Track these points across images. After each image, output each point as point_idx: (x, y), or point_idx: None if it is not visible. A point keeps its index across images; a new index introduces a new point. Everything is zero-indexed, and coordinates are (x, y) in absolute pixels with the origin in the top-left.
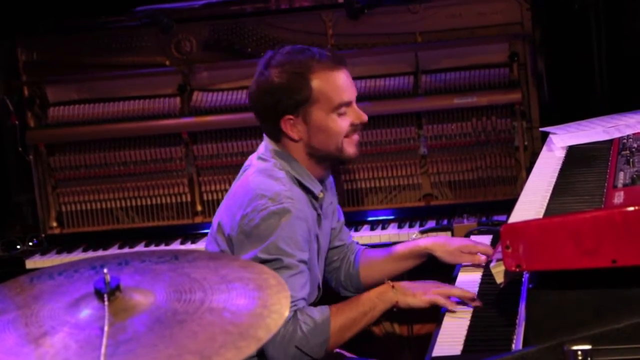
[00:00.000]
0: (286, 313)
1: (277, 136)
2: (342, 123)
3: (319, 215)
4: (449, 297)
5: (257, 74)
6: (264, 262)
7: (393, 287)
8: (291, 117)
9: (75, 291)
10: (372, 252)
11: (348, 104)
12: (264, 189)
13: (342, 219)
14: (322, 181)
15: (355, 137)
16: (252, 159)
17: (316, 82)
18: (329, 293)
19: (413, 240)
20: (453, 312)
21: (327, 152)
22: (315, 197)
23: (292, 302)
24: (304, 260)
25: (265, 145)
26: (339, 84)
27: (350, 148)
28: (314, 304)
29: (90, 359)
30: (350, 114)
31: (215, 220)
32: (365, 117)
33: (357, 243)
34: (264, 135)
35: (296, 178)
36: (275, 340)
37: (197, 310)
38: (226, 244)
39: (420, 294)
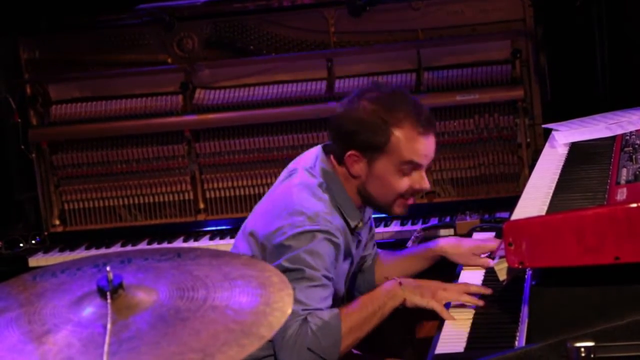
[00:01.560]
0: (289, 311)
1: (340, 160)
2: (403, 183)
3: (359, 241)
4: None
5: (351, 97)
6: (285, 271)
7: (400, 283)
8: (358, 154)
9: (78, 289)
10: (386, 254)
11: (417, 166)
12: (305, 206)
13: (373, 226)
14: (362, 209)
15: (409, 200)
16: (299, 167)
17: (398, 137)
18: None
19: (415, 238)
20: (458, 307)
21: (377, 201)
22: (352, 228)
23: (305, 309)
24: (328, 277)
25: (317, 159)
26: (419, 148)
27: (399, 208)
28: None
29: (93, 356)
30: (414, 177)
31: (250, 221)
32: (427, 186)
33: (376, 250)
34: (320, 148)
35: (337, 207)
36: (288, 345)
37: (199, 308)
38: (259, 249)
39: (428, 295)
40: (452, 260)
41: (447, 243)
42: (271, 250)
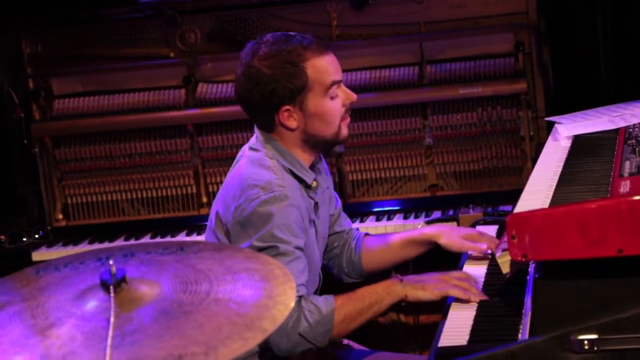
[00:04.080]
0: (292, 304)
1: (270, 127)
2: (337, 106)
3: (316, 203)
4: (458, 287)
5: (242, 67)
6: (259, 250)
7: (401, 280)
8: (288, 107)
9: (81, 283)
10: (375, 239)
11: (338, 84)
12: (255, 178)
13: (339, 205)
14: (312, 166)
15: (348, 117)
16: (244, 149)
17: (310, 69)
18: (331, 281)
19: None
20: (461, 300)
21: (324, 137)
22: (308, 186)
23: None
24: (299, 247)
25: (256, 135)
26: (329, 66)
27: (345, 130)
28: (316, 293)
29: (96, 350)
30: (340, 95)
31: (212, 212)
32: (354, 96)
33: (357, 229)
34: (255, 125)
35: (288, 167)
36: (280, 329)
37: (202, 301)
38: (224, 236)
39: (430, 286)
40: (444, 247)
41: (439, 230)
42: (236, 231)
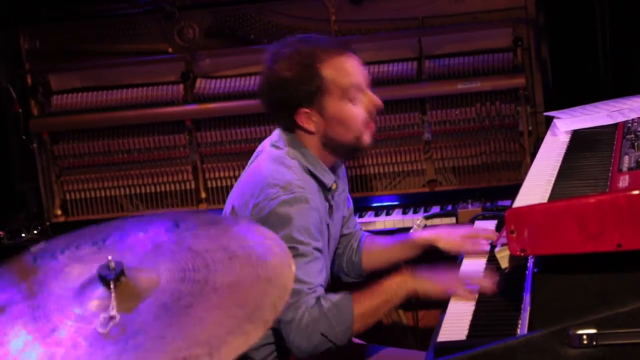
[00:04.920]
0: (290, 286)
1: (291, 129)
2: (358, 111)
3: (330, 206)
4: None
5: (265, 69)
6: None
7: (412, 274)
8: (306, 109)
9: (79, 275)
10: (375, 240)
11: (359, 88)
12: (276, 177)
13: (351, 206)
14: (334, 170)
15: (373, 124)
16: (265, 145)
17: (326, 71)
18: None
19: (416, 227)
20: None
21: (344, 142)
22: (328, 189)
23: (310, 288)
24: (318, 248)
25: (278, 133)
26: (348, 69)
27: (367, 137)
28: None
29: (100, 357)
30: (364, 100)
31: (227, 206)
32: (379, 102)
33: (361, 229)
34: (278, 128)
35: (308, 169)
36: (300, 328)
37: (201, 290)
38: None
39: (441, 285)
40: (443, 249)
41: (438, 233)
42: None
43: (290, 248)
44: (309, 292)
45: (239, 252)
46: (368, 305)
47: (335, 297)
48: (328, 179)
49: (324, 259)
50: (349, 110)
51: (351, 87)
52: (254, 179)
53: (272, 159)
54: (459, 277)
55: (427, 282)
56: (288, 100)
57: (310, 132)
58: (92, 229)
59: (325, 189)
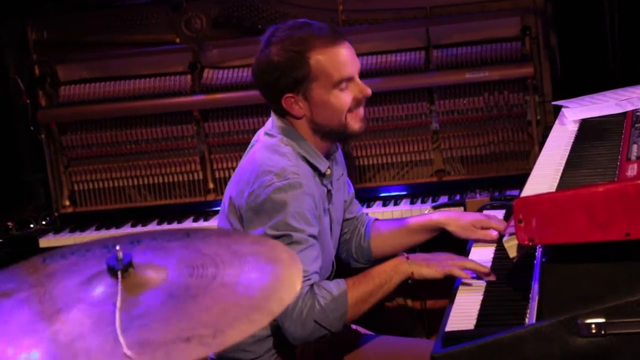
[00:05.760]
0: (299, 286)
1: (281, 113)
2: (345, 98)
3: (329, 191)
4: (463, 268)
5: (258, 51)
6: (273, 238)
7: (407, 258)
8: (291, 95)
9: (87, 269)
10: (384, 224)
11: (349, 79)
12: (270, 164)
13: (352, 191)
14: (328, 155)
15: (360, 111)
16: (260, 134)
17: (315, 59)
18: (340, 266)
19: (426, 214)
20: (468, 284)
21: (331, 128)
22: (322, 174)
23: (305, 276)
24: (313, 235)
25: (272, 121)
26: (339, 59)
27: (354, 123)
28: (329, 280)
29: (104, 334)
30: (352, 89)
31: (225, 197)
32: (368, 91)
33: (367, 214)
34: (271, 111)
35: (302, 155)
36: (293, 316)
37: (209, 284)
38: (238, 221)
39: (435, 264)
40: (453, 233)
41: (448, 216)
42: (249, 217)
43: (285, 236)
44: (304, 280)
45: (248, 256)
46: (362, 290)
47: (329, 284)
48: (322, 164)
49: (319, 246)
50: (334, 96)
51: (340, 78)
52: (249, 167)
53: (266, 147)
54: (454, 257)
55: (422, 265)
56: (274, 85)
57: (297, 117)
58: (102, 241)
59: (320, 174)
